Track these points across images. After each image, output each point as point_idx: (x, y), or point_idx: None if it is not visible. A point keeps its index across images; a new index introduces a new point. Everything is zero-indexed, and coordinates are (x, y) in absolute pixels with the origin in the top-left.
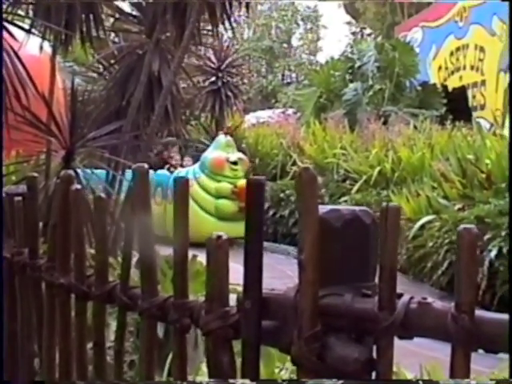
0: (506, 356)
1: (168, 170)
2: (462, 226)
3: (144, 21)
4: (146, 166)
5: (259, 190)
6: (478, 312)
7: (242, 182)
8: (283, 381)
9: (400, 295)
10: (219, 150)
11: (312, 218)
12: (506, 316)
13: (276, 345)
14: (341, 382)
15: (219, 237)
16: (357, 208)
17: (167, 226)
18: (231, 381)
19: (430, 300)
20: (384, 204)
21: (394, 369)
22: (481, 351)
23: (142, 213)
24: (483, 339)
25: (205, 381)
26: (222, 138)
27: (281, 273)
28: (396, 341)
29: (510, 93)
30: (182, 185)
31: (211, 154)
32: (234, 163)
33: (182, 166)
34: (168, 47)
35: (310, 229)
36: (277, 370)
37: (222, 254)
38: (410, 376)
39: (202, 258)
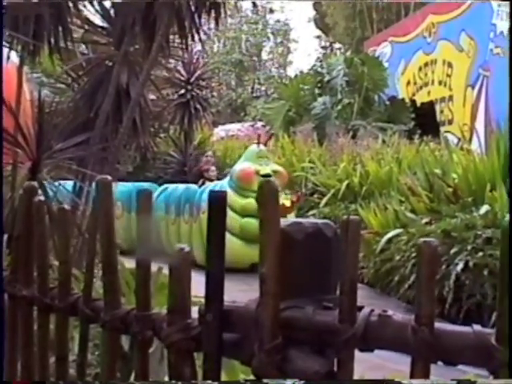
0: (466, 368)
1: (201, 184)
2: (422, 239)
3: (113, 32)
4: (109, 177)
5: (221, 203)
6: (438, 324)
7: None
8: (246, 381)
9: (361, 308)
10: (249, 162)
11: (273, 230)
12: (465, 328)
13: (237, 357)
14: (302, 382)
15: (181, 249)
16: (319, 221)
17: (193, 245)
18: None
19: (390, 312)
20: (345, 216)
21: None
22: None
23: (106, 224)
24: (443, 351)
25: (173, 382)
26: (253, 147)
27: (249, 286)
28: (362, 354)
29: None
30: (145, 197)
31: (239, 165)
32: (266, 176)
33: (219, 179)
34: (137, 59)
35: (271, 241)
36: None
37: (184, 266)
38: None
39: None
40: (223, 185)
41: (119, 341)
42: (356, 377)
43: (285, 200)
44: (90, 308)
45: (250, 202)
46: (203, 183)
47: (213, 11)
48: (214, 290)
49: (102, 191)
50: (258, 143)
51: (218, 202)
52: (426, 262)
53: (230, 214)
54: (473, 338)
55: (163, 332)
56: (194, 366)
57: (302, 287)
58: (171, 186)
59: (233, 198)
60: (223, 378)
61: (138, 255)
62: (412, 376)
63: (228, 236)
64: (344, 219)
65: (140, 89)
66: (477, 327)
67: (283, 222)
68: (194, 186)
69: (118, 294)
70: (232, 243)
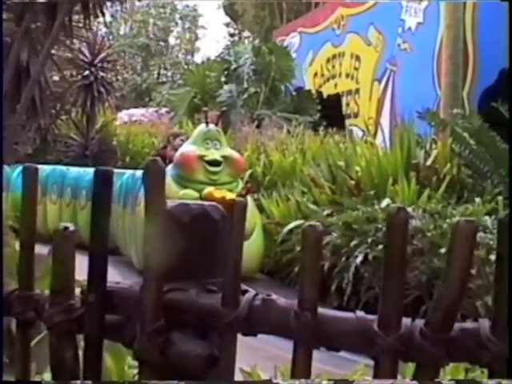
0: (352, 357)
1: None
2: (306, 223)
3: (13, 8)
4: None
5: (105, 181)
6: (321, 310)
7: (208, 190)
8: (124, 381)
9: (245, 291)
10: (195, 145)
11: (158, 211)
12: (348, 314)
13: (120, 339)
14: (183, 382)
15: (66, 228)
16: (206, 203)
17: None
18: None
19: (274, 297)
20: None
21: (248, 369)
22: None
23: None
24: (325, 337)
25: (45, 381)
26: (201, 127)
27: None
28: (258, 343)
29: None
30: (30, 174)
31: (182, 149)
32: (213, 163)
33: None
34: (38, 37)
35: (155, 221)
36: (135, 371)
37: (68, 246)
38: (264, 377)
39: None
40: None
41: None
42: (249, 366)
43: (227, 193)
44: None
45: (188, 193)
46: None
47: None
48: (97, 270)
49: None
50: (207, 122)
51: (102, 181)
52: (310, 246)
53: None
54: (355, 323)
55: (45, 313)
56: (76, 349)
57: (187, 270)
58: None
59: (171, 187)
60: (109, 361)
61: (22, 234)
62: (294, 362)
63: None
64: (229, 201)
65: (40, 67)
66: (360, 313)
67: (170, 203)
68: (138, 174)
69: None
70: None
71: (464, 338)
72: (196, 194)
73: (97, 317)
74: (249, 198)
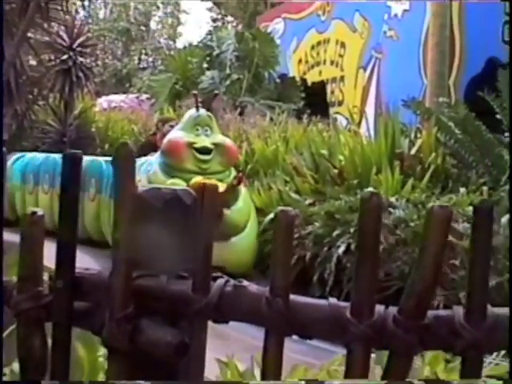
0: (332, 348)
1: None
2: (279, 208)
3: None
4: None
5: (74, 166)
6: (293, 296)
7: (196, 180)
8: (89, 382)
9: (216, 278)
10: (184, 131)
11: (127, 195)
12: (320, 301)
13: (89, 327)
14: (149, 383)
15: (34, 213)
16: (178, 187)
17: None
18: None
19: (245, 283)
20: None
21: (225, 360)
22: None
23: None
24: (297, 324)
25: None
26: (191, 112)
27: None
28: (236, 334)
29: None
30: None
31: (169, 135)
32: (203, 151)
33: None
34: (13, 19)
35: (125, 206)
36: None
37: (36, 231)
38: (241, 368)
39: None
40: (151, 161)
41: None
42: (225, 356)
43: (217, 183)
44: None
45: (175, 183)
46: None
47: None
48: (66, 255)
49: None
50: (197, 107)
51: (70, 166)
52: (282, 231)
53: None
54: (328, 310)
55: (12, 300)
56: (45, 337)
57: (158, 255)
58: (88, 159)
59: (158, 176)
60: (81, 351)
61: None
62: (265, 349)
63: None
64: (200, 185)
65: (15, 50)
66: (332, 300)
67: (142, 187)
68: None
69: None
70: None
71: (437, 326)
72: (184, 184)
73: (65, 304)
74: (243, 188)
